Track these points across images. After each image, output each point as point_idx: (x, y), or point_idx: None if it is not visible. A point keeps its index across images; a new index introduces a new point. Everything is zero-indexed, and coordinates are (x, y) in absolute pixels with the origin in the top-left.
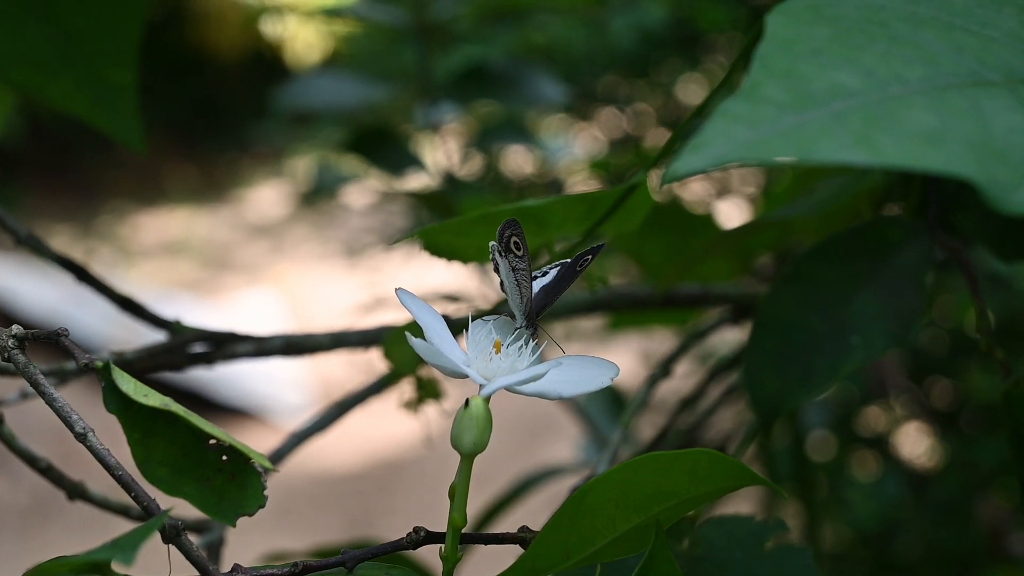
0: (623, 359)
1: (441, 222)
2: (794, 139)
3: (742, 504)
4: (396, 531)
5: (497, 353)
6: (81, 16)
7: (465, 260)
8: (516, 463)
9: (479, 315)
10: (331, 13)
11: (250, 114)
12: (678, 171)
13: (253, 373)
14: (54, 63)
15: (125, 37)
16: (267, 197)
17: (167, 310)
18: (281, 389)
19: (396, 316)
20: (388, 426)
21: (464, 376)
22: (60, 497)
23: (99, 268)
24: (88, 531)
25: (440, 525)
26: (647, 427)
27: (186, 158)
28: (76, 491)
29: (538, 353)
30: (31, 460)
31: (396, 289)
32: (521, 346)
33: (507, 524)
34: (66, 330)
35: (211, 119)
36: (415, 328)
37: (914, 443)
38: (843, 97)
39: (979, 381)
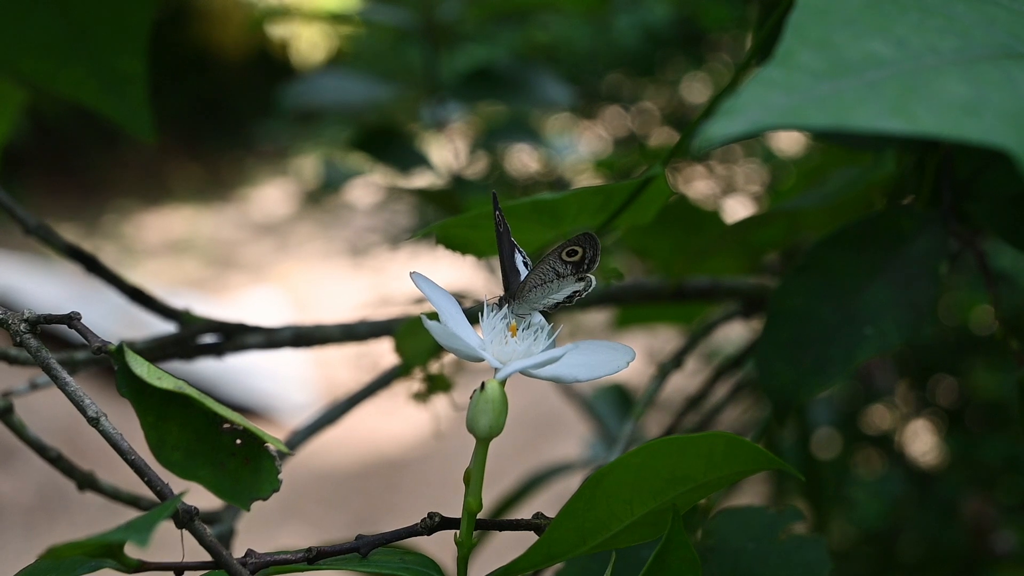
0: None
1: (457, 216)
2: (830, 106)
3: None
4: None
5: (513, 337)
6: (91, 5)
7: (479, 253)
8: (523, 460)
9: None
10: (337, 17)
11: (255, 113)
12: (714, 135)
13: (259, 371)
14: (64, 52)
15: (135, 26)
16: (272, 196)
17: None
18: (287, 387)
19: (404, 312)
20: (393, 425)
21: (480, 359)
22: (66, 495)
23: None
24: (94, 529)
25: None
26: (653, 425)
27: (191, 157)
28: (86, 481)
29: (554, 337)
30: (41, 449)
31: (411, 273)
32: (537, 330)
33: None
34: (79, 314)
35: (216, 118)
36: (430, 313)
37: (919, 441)
38: (877, 66)
39: (984, 378)
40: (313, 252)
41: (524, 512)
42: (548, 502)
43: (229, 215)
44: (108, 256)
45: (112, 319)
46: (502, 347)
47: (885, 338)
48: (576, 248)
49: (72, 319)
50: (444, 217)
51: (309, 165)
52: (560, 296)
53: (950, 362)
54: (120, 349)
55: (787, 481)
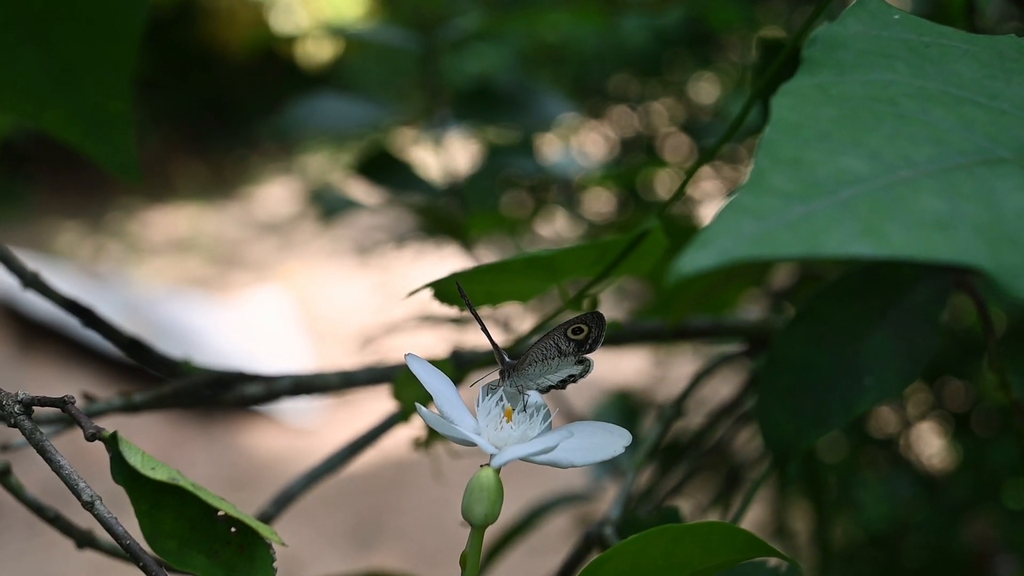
0: (633, 359)
1: (451, 273)
2: (801, 232)
3: (751, 508)
4: (405, 530)
5: (508, 421)
6: (76, 45)
7: (475, 304)
8: (530, 465)
9: (487, 360)
10: (343, 34)
11: (260, 111)
12: (683, 269)
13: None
14: (48, 92)
15: (119, 67)
16: (276, 194)
17: (176, 307)
18: None
19: (406, 340)
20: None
21: (474, 445)
22: (66, 497)
23: (108, 265)
24: (94, 530)
25: (446, 525)
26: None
27: (195, 155)
28: (85, 540)
29: (549, 421)
30: (39, 510)
31: (406, 355)
32: (532, 412)
33: (519, 543)
34: (72, 398)
35: (220, 116)
36: (424, 394)
37: (925, 444)
38: (850, 183)
39: (992, 382)
40: (318, 250)
41: (526, 539)
42: (551, 521)
43: (233, 213)
44: (112, 254)
45: (119, 317)
46: (497, 432)
47: (884, 388)
48: (582, 326)
49: (65, 403)
50: (441, 233)
51: (314, 164)
52: (555, 379)
53: (958, 365)
54: (114, 437)
55: (790, 486)
